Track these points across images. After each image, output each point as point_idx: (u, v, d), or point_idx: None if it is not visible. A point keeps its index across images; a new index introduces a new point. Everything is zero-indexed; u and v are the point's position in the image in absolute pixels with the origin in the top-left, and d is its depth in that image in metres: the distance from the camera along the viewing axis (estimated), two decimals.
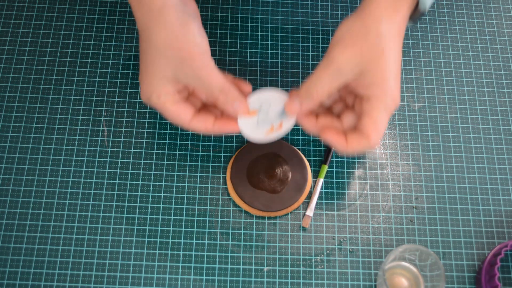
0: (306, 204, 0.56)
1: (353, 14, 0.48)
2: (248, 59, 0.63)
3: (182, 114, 0.48)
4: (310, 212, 0.55)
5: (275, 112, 0.52)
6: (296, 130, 0.59)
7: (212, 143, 0.58)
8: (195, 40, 0.47)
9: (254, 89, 0.60)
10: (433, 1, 0.48)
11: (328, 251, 0.55)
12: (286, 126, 0.51)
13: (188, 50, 0.46)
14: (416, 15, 0.49)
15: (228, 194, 0.57)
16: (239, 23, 0.64)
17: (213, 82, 0.47)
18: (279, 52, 0.63)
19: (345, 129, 0.49)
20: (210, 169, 0.57)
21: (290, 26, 0.64)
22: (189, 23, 0.47)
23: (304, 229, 0.55)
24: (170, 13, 0.47)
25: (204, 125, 0.49)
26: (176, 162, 0.57)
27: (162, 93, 0.47)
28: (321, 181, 0.57)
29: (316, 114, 0.50)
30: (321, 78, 0.47)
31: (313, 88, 0.47)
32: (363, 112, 0.46)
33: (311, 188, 0.57)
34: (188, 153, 0.58)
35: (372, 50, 0.46)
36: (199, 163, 0.58)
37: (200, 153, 0.58)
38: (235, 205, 0.56)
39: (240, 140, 0.59)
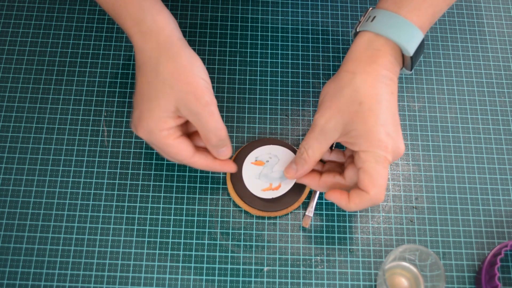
0: (306, 204, 0.56)
1: (333, 76, 0.49)
2: (248, 59, 0.63)
3: (184, 150, 0.48)
4: (310, 212, 0.55)
5: (279, 170, 0.55)
6: (296, 130, 0.59)
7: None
8: (203, 76, 0.47)
9: (253, 90, 0.60)
10: (417, 45, 0.47)
11: (328, 251, 0.55)
12: (283, 189, 0.55)
13: (196, 85, 0.46)
14: (406, 61, 0.48)
15: (228, 194, 0.57)
16: (239, 23, 0.64)
17: (211, 122, 0.47)
18: (279, 52, 0.63)
19: (349, 185, 0.49)
20: None
21: (290, 26, 0.64)
22: (196, 59, 0.48)
23: (304, 229, 0.55)
24: (178, 47, 0.47)
25: (205, 161, 0.50)
26: (176, 162, 0.57)
27: (165, 127, 0.47)
28: None
29: (320, 172, 0.51)
30: (309, 142, 0.48)
31: (304, 153, 0.49)
32: (358, 168, 0.46)
33: (311, 188, 0.57)
34: None
35: (349, 105, 0.46)
36: None
37: None
38: (235, 205, 0.56)
39: (240, 140, 0.59)
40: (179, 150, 0.48)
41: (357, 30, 0.49)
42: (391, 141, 0.45)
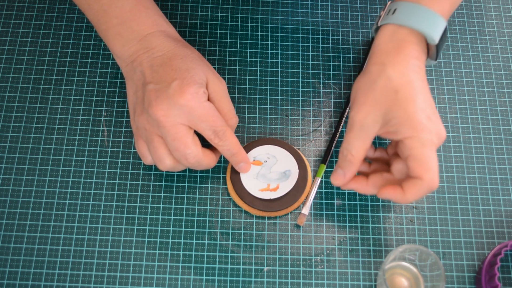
0: None
1: (362, 71, 0.50)
2: (248, 59, 0.63)
3: (219, 115, 0.49)
4: (305, 210, 0.55)
5: (277, 171, 0.55)
6: (296, 130, 0.59)
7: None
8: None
9: (253, 90, 0.60)
10: (441, 32, 0.47)
11: (328, 251, 0.55)
12: (281, 191, 0.55)
13: (212, 68, 0.52)
14: (431, 50, 0.49)
15: (228, 194, 0.57)
16: (239, 23, 0.64)
17: (229, 100, 0.52)
18: (279, 52, 0.63)
19: (399, 179, 0.49)
20: (210, 169, 0.57)
21: (290, 26, 0.64)
22: None
23: (299, 227, 0.55)
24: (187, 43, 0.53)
25: (212, 157, 0.52)
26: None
27: (204, 90, 0.49)
28: (318, 180, 0.57)
29: (367, 175, 0.51)
30: (350, 141, 0.48)
31: (348, 154, 0.48)
32: (405, 157, 0.46)
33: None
34: None
35: (385, 95, 0.46)
36: None
37: None
38: (235, 205, 0.56)
39: (239, 140, 0.59)
40: (218, 113, 0.49)
41: (379, 25, 0.50)
42: (433, 124, 0.46)
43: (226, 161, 0.58)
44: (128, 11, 0.50)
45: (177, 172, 0.57)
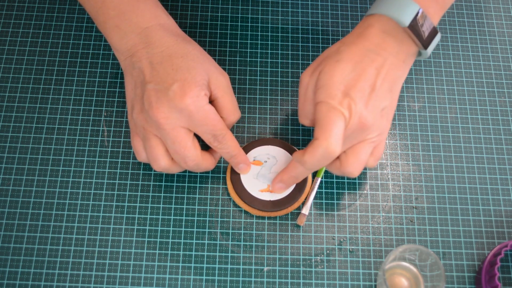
0: None
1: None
2: (248, 59, 0.63)
3: (219, 118, 0.49)
4: (305, 210, 0.55)
5: (277, 172, 0.55)
6: (296, 130, 0.59)
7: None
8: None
9: (253, 90, 0.60)
10: (412, 15, 0.46)
11: (328, 251, 0.55)
12: (280, 194, 0.55)
13: (217, 65, 0.52)
14: (414, 39, 0.48)
15: (228, 194, 0.57)
16: (239, 23, 0.64)
17: (234, 97, 0.52)
18: (279, 52, 0.63)
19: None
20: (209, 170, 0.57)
21: (290, 26, 0.64)
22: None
23: (299, 227, 0.55)
24: (189, 38, 0.53)
25: (211, 160, 0.52)
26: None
27: (205, 93, 0.48)
28: (318, 180, 0.57)
29: None
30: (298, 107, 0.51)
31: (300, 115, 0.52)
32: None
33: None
34: None
35: (327, 61, 0.48)
36: None
37: None
38: (235, 205, 0.56)
39: (240, 140, 0.59)
40: (218, 117, 0.49)
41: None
42: (352, 103, 0.45)
43: (226, 162, 0.58)
44: (126, 2, 0.50)
45: (177, 172, 0.57)
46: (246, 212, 0.56)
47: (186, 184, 0.57)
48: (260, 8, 0.65)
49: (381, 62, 0.47)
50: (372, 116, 0.46)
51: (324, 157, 0.46)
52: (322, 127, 0.45)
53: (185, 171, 0.57)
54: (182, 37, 0.51)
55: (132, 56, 0.50)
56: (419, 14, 0.46)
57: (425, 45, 0.48)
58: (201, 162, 0.50)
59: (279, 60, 0.63)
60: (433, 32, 0.48)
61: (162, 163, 0.49)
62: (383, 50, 0.47)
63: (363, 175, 0.58)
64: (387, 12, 0.47)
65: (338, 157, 0.50)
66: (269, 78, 0.62)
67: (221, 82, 0.50)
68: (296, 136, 0.59)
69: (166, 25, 0.51)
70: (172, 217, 0.55)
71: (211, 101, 0.50)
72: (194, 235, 0.55)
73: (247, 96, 0.61)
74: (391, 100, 0.48)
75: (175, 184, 0.57)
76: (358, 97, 0.46)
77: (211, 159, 0.52)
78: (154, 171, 0.57)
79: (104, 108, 0.60)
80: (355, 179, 0.58)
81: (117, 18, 0.50)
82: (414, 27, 0.46)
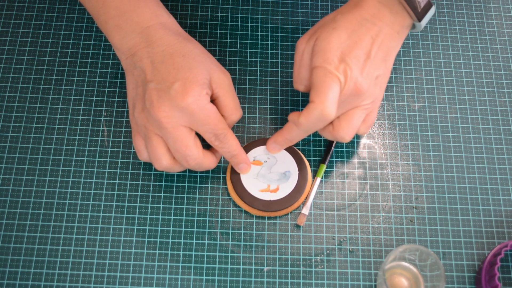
0: None
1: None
2: (248, 59, 0.63)
3: (220, 116, 0.49)
4: (305, 210, 0.55)
5: (277, 172, 0.55)
6: None
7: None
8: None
9: (253, 90, 0.60)
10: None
11: (328, 251, 0.55)
12: (280, 193, 0.55)
13: (218, 63, 0.52)
14: (409, 10, 0.49)
15: (228, 194, 0.57)
16: (239, 23, 0.64)
17: (235, 96, 0.51)
18: (279, 52, 0.63)
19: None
20: (210, 170, 0.57)
21: (290, 26, 0.64)
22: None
23: (299, 227, 0.55)
24: (190, 37, 0.53)
25: (213, 159, 0.52)
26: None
27: (206, 92, 0.48)
28: (318, 180, 0.57)
29: None
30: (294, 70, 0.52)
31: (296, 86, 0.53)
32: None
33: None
34: None
35: (324, 28, 0.48)
36: None
37: None
38: (235, 205, 0.56)
39: (240, 140, 0.59)
40: (219, 116, 0.49)
41: None
42: (348, 68, 0.46)
43: (226, 161, 0.58)
44: (127, 2, 0.50)
45: (177, 173, 0.57)
46: (246, 212, 0.56)
47: (186, 184, 0.57)
48: (260, 8, 0.65)
49: (376, 31, 0.48)
50: (367, 82, 0.48)
51: (319, 120, 0.47)
52: (318, 90, 0.46)
53: (185, 171, 0.57)
54: (183, 36, 0.51)
55: (133, 55, 0.50)
56: None
57: (419, 17, 0.49)
58: (202, 161, 0.50)
59: (279, 60, 0.63)
60: (428, 5, 0.49)
61: (164, 162, 0.49)
62: (379, 20, 0.48)
63: (363, 175, 0.58)
64: None
65: (331, 122, 0.50)
66: (269, 78, 0.62)
67: (222, 81, 0.50)
68: None
69: (167, 24, 0.51)
70: (172, 217, 0.55)
71: (213, 100, 0.50)
72: (194, 235, 0.55)
73: (247, 96, 0.61)
74: (385, 69, 0.49)
75: (175, 184, 0.57)
76: (354, 63, 0.47)
77: (213, 158, 0.52)
78: (155, 171, 0.57)
79: (104, 108, 0.60)
80: (355, 178, 0.58)
81: (118, 18, 0.50)
82: None
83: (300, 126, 0.48)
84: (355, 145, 0.59)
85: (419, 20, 0.49)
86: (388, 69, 0.50)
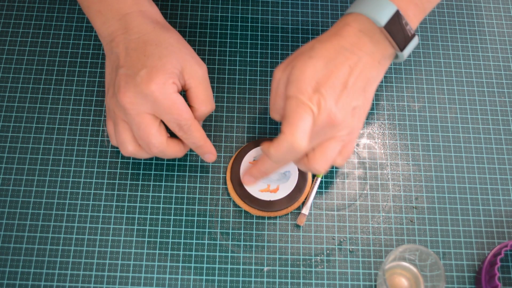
0: None
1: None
2: (248, 59, 0.63)
3: (187, 109, 0.49)
4: (306, 210, 0.55)
5: (277, 172, 0.55)
6: None
7: (212, 143, 0.58)
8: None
9: (253, 90, 0.60)
10: (389, 15, 0.46)
11: (328, 251, 0.55)
12: (280, 193, 0.55)
13: (195, 54, 0.51)
14: (390, 40, 0.47)
15: (228, 194, 0.57)
16: (239, 23, 0.64)
17: (209, 87, 0.51)
18: (279, 52, 0.63)
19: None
20: (210, 169, 0.57)
21: (290, 26, 0.64)
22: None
23: (299, 227, 0.55)
24: (169, 25, 0.52)
25: (179, 147, 0.51)
26: (176, 162, 0.58)
27: (174, 81, 0.48)
28: (318, 180, 0.57)
29: None
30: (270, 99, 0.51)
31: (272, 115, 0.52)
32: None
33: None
34: (188, 153, 0.58)
35: (300, 57, 0.47)
36: (199, 163, 0.58)
37: None
38: (235, 205, 0.56)
39: (240, 140, 0.59)
40: (184, 106, 0.48)
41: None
42: (322, 99, 0.45)
43: (226, 161, 0.58)
44: None
45: (177, 172, 0.57)
46: (246, 212, 0.56)
47: (186, 184, 0.57)
48: (260, 8, 0.65)
49: (355, 60, 0.46)
50: (342, 113, 0.46)
51: (289, 152, 0.45)
52: (290, 121, 0.45)
53: (186, 170, 0.57)
54: (161, 24, 0.51)
55: (112, 41, 0.50)
56: (398, 15, 0.46)
57: (401, 47, 0.47)
58: (166, 149, 0.50)
59: (279, 60, 0.63)
60: (411, 35, 0.47)
61: (129, 148, 0.50)
62: (359, 49, 0.47)
63: (363, 175, 0.58)
64: (364, 11, 0.46)
65: (306, 154, 0.49)
66: (269, 78, 0.62)
67: (195, 72, 0.50)
68: None
69: (147, 12, 0.51)
70: (172, 217, 0.55)
71: (185, 91, 0.51)
72: (194, 235, 0.55)
73: (247, 96, 0.61)
74: (364, 100, 0.48)
75: (175, 184, 0.57)
76: (329, 94, 0.45)
77: (179, 146, 0.51)
78: (154, 171, 0.57)
79: (104, 108, 0.60)
80: (355, 178, 0.58)
81: (100, 4, 0.50)
82: (390, 28, 0.46)
83: (271, 157, 0.46)
84: (355, 145, 0.59)
85: (401, 49, 0.47)
86: (367, 99, 0.48)
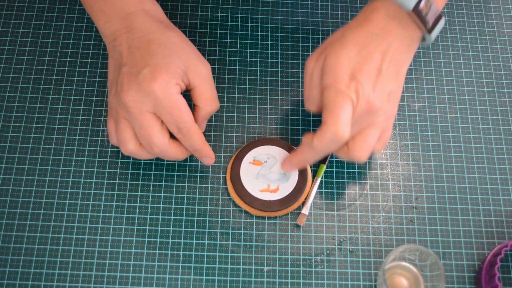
0: None
1: None
2: (248, 59, 0.63)
3: (189, 111, 0.49)
4: (305, 210, 0.55)
5: (277, 172, 0.55)
6: (296, 130, 0.59)
7: (212, 143, 0.58)
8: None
9: (253, 90, 0.60)
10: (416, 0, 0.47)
11: (328, 251, 0.55)
12: (280, 193, 0.55)
13: (199, 53, 0.51)
14: (419, 23, 0.48)
15: (228, 194, 0.57)
16: (239, 23, 0.64)
17: (214, 87, 0.52)
18: (279, 52, 0.63)
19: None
20: (210, 169, 0.57)
21: (290, 26, 0.64)
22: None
23: (299, 227, 0.55)
24: (173, 25, 0.53)
25: (181, 149, 0.51)
26: (176, 162, 0.57)
27: (177, 82, 0.48)
28: (318, 180, 0.57)
29: None
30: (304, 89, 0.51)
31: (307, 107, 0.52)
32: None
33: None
34: None
35: (332, 46, 0.47)
36: (199, 163, 0.58)
37: None
38: (235, 205, 0.56)
39: (240, 140, 0.59)
40: (185, 109, 0.48)
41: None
42: (359, 86, 0.45)
43: (226, 161, 0.58)
44: None
45: (177, 172, 0.57)
46: (246, 212, 0.56)
47: (186, 184, 0.57)
48: (260, 8, 0.65)
49: (386, 46, 0.47)
50: (380, 99, 0.46)
51: (333, 142, 0.46)
52: (331, 111, 0.45)
53: (186, 170, 0.57)
54: (164, 23, 0.51)
55: (115, 40, 0.50)
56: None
57: (429, 29, 0.48)
58: (167, 150, 0.49)
59: (279, 60, 0.63)
60: (438, 17, 0.48)
61: (129, 147, 0.50)
62: (388, 34, 0.47)
63: (363, 175, 0.58)
64: None
65: (346, 143, 0.49)
66: (269, 78, 0.62)
67: (200, 71, 0.50)
68: (296, 136, 0.59)
69: (150, 10, 0.51)
70: (172, 217, 0.55)
71: (190, 90, 0.51)
72: (194, 235, 0.55)
73: (247, 96, 0.61)
74: (398, 84, 0.48)
75: (175, 184, 0.57)
76: (365, 80, 0.46)
77: (180, 148, 0.51)
78: (154, 171, 0.57)
79: (104, 108, 0.60)
80: (355, 178, 0.58)
81: (103, 3, 0.50)
82: (418, 11, 0.46)
83: (314, 148, 0.47)
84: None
85: (429, 32, 0.48)
86: (400, 83, 0.49)
